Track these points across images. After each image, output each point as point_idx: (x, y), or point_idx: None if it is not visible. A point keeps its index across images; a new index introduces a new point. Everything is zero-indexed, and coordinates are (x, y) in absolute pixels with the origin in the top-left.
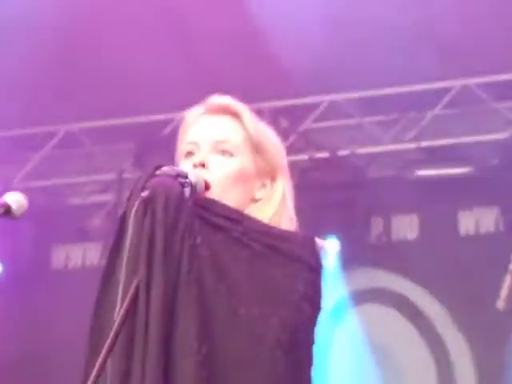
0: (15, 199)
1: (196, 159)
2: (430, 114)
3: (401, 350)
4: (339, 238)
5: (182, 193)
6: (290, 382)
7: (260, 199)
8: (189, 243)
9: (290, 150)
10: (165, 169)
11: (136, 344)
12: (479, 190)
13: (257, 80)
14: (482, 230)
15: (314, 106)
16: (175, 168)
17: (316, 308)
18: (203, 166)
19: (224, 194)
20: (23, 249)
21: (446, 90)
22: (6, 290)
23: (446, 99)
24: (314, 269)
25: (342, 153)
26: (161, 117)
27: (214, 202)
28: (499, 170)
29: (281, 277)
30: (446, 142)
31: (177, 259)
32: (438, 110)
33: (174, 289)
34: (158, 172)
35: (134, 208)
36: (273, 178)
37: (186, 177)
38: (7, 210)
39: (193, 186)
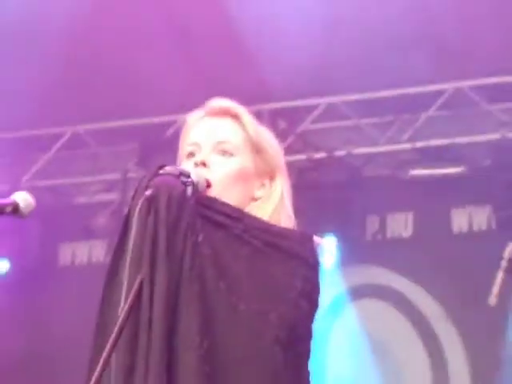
0: (23, 198)
1: (197, 158)
2: (424, 116)
3: (396, 344)
4: (336, 236)
5: (185, 192)
6: (289, 377)
7: (259, 198)
8: (191, 241)
9: (289, 151)
10: (168, 168)
11: (140, 339)
12: (472, 189)
13: (256, 81)
14: (475, 227)
15: (312, 107)
16: (178, 167)
17: (313, 304)
18: (204, 165)
19: (224, 192)
20: (30, 247)
21: (440, 93)
22: (14, 287)
23: (439, 101)
24: (312, 266)
25: (339, 153)
26: (164, 119)
27: (215, 200)
28: (491, 169)
29: (280, 274)
30: (440, 143)
31: (179, 256)
32: (432, 112)
33: (177, 285)
34: (161, 171)
35: (138, 206)
36: (272, 178)
37: (189, 176)
38: (15, 209)
39: (194, 185)
